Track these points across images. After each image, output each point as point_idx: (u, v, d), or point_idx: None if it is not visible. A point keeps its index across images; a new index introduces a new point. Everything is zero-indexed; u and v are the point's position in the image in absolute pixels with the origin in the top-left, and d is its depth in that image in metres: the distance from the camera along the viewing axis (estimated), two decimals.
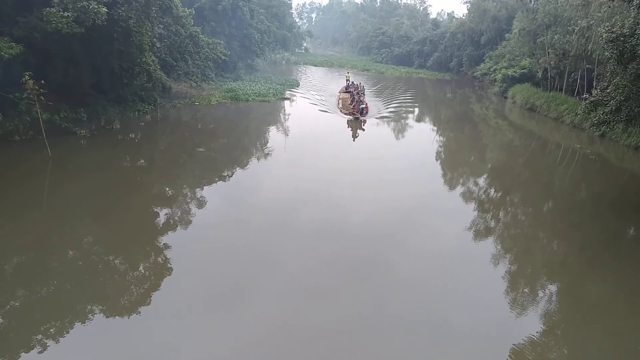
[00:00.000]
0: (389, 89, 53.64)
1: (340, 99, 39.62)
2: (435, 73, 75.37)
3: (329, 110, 36.74)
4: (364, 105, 34.89)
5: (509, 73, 50.49)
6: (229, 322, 10.41)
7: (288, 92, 44.20)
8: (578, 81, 39.55)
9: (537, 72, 44.86)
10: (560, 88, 42.02)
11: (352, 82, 44.88)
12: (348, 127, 31.71)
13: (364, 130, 31.47)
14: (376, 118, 35.03)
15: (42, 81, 18.13)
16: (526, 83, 47.06)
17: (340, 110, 36.06)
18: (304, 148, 25.65)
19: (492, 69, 58.30)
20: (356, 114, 33.50)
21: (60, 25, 19.22)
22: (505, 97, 49.47)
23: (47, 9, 19.41)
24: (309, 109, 38.15)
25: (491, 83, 57.10)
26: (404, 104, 43.38)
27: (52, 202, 16.16)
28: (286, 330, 10.31)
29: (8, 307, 10.24)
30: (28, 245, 12.95)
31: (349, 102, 36.07)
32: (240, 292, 11.54)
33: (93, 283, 11.53)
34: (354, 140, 28.40)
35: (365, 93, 41.38)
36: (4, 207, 14.99)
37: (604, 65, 29.70)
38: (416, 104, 45.50)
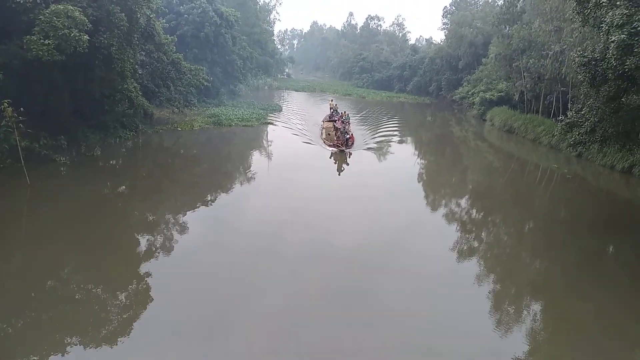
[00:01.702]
0: (374, 114, 53.05)
1: (323, 128, 36.28)
2: (415, 97, 76.77)
3: (312, 142, 34.14)
4: (349, 136, 32.50)
5: (487, 96, 51.70)
6: (211, 355, 10.17)
7: (270, 116, 44.32)
8: (554, 103, 40.62)
9: (514, 95, 45.99)
10: (537, 110, 43.10)
11: (337, 110, 42.00)
12: (332, 160, 29.35)
13: (348, 164, 28.83)
14: (363, 150, 32.57)
15: (22, 108, 17.95)
16: (504, 106, 48.21)
17: (324, 142, 33.46)
18: (284, 189, 22.60)
19: (470, 93, 59.66)
20: (341, 146, 31.00)
21: (41, 53, 19.13)
22: (484, 120, 50.52)
23: (28, 37, 19.33)
24: (291, 140, 35.37)
25: (470, 106, 58.31)
26: (390, 131, 41.70)
27: (31, 230, 15.82)
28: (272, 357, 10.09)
29: None
30: (5, 274, 12.60)
31: (333, 132, 33.07)
32: (222, 322, 11.33)
33: (72, 313, 11.23)
34: (339, 174, 26.49)
35: (351, 121, 38.91)
36: None
37: (578, 88, 30.59)
38: (402, 131, 43.61)
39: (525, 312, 12.85)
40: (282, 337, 10.97)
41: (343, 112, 39.31)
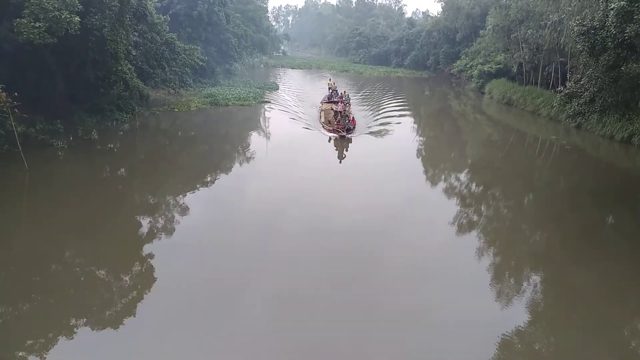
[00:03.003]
0: (375, 92, 50.96)
1: (322, 110, 33.89)
2: (413, 71, 76.14)
3: (310, 127, 31.22)
4: (349, 120, 29.77)
5: (485, 69, 51.27)
6: (215, 333, 10.29)
7: (267, 95, 43.91)
8: (552, 74, 40.31)
9: (512, 67, 45.63)
10: (536, 82, 42.80)
11: (336, 90, 39.26)
12: (333, 146, 27.20)
13: (349, 151, 26.38)
14: (365, 134, 29.88)
15: (16, 93, 17.74)
16: (502, 78, 47.86)
17: (323, 126, 30.82)
18: (282, 171, 21.89)
19: (468, 66, 59.16)
20: (342, 131, 28.40)
21: (32, 36, 18.81)
22: (483, 93, 50.22)
23: (18, 19, 18.97)
24: (288, 124, 32.76)
25: (468, 79, 57.89)
26: (391, 109, 39.13)
27: (31, 215, 15.83)
28: (272, 343, 10.15)
29: None
30: (8, 260, 12.66)
31: (332, 116, 30.92)
32: (225, 301, 11.41)
33: (76, 296, 11.33)
34: (340, 162, 24.46)
35: (351, 102, 35.95)
36: None
37: (577, 58, 30.36)
38: (402, 108, 40.88)
39: (525, 283, 12.97)
40: (284, 314, 11.05)
41: (343, 92, 36.67)
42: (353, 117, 30.84)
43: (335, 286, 12.38)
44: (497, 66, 49.87)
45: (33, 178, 18.44)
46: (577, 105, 21.33)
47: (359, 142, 27.72)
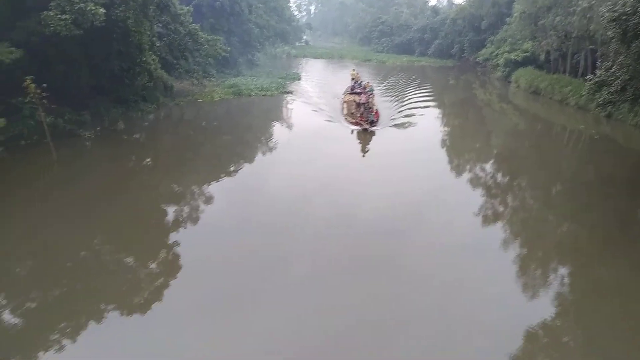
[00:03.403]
0: (398, 82, 49.76)
1: (345, 102, 32.76)
2: (437, 60, 74.88)
3: (332, 120, 30.46)
4: (373, 113, 28.89)
5: (512, 57, 50.11)
6: (239, 320, 10.40)
7: (289, 85, 43.85)
8: (581, 62, 39.13)
9: (540, 55, 44.47)
10: (564, 70, 41.64)
11: (359, 81, 37.83)
12: (356, 138, 26.52)
13: (372, 143, 25.76)
14: (389, 127, 28.89)
15: (44, 85, 18.14)
16: (529, 66, 46.70)
17: (346, 118, 30.06)
18: (306, 161, 21.76)
19: (494, 54, 57.88)
20: (364, 124, 27.80)
21: (59, 28, 19.19)
22: (509, 82, 49.14)
23: (45, 12, 19.37)
24: (311, 116, 31.84)
25: (494, 68, 56.68)
26: (415, 100, 38.20)
27: (60, 203, 16.20)
28: (297, 328, 10.24)
29: (23, 308, 10.34)
30: (39, 247, 13.04)
31: (355, 108, 30.21)
32: (250, 289, 11.55)
33: (105, 282, 11.59)
34: (363, 155, 24.07)
35: (375, 93, 34.88)
36: (12, 211, 15.09)
37: (607, 45, 29.36)
38: (426, 98, 39.97)
39: (553, 274, 12.73)
40: (311, 295, 11.17)
41: (366, 83, 35.71)
42: (377, 110, 29.97)
43: (362, 266, 12.55)
44: (524, 54, 48.65)
45: (61, 168, 18.89)
46: (607, 94, 20.63)
47: (383, 134, 27.07)
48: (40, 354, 8.93)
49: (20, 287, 11.30)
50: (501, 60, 52.41)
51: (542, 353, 9.70)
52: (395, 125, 29.34)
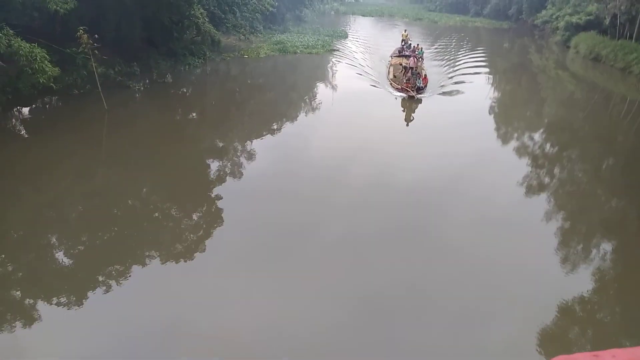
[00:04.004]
0: (452, 44, 47.53)
1: (391, 65, 30.99)
2: (493, 21, 71.24)
3: (377, 85, 28.21)
4: (421, 79, 26.74)
5: (573, 20, 46.99)
6: (278, 272, 10.67)
7: (336, 43, 43.05)
8: None
9: (605, 18, 41.42)
10: (630, 35, 38.76)
11: (408, 42, 35.67)
12: (400, 107, 24.59)
13: (417, 113, 23.92)
14: (438, 95, 26.78)
15: (96, 35, 18.60)
16: (592, 31, 43.73)
17: (391, 83, 27.80)
18: (348, 124, 21.25)
19: (554, 16, 54.38)
20: (411, 92, 25.35)
21: None
22: (568, 47, 46.36)
23: None
24: (353, 80, 29.67)
25: (553, 31, 53.44)
26: (468, 65, 35.36)
27: (109, 152, 16.96)
28: (327, 293, 10.31)
29: (71, 250, 11.07)
30: (89, 192, 13.78)
31: (402, 73, 28.15)
32: (289, 243, 11.86)
33: (150, 230, 12.20)
34: (407, 124, 22.59)
35: (424, 56, 32.69)
36: (66, 156, 15.94)
37: None
38: (479, 63, 37.46)
39: (595, 250, 12.39)
40: (345, 260, 11.29)
41: (416, 46, 33.01)
42: (425, 75, 27.91)
43: (398, 235, 12.51)
44: (587, 17, 45.46)
45: (112, 118, 19.59)
46: None
47: (430, 103, 25.39)
48: (89, 293, 9.58)
49: (69, 229, 12.06)
50: (561, 24, 49.25)
51: (576, 327, 9.59)
52: (444, 93, 27.35)
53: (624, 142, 21.84)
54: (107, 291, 9.63)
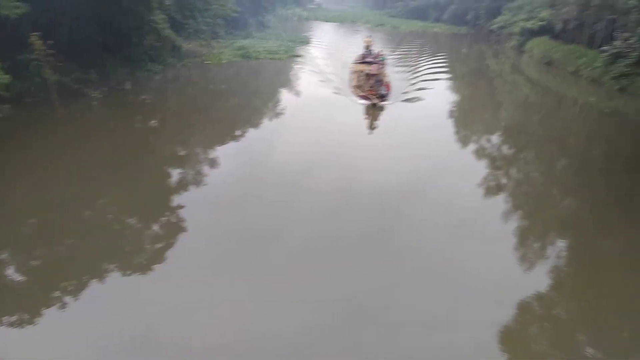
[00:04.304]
0: (414, 50, 48.06)
1: (354, 71, 30.54)
2: (452, 27, 73.16)
3: (340, 92, 28.27)
4: (384, 86, 26.70)
5: (527, 26, 48.83)
6: (236, 286, 10.54)
7: (299, 49, 43.15)
8: (599, 33, 38.08)
9: (557, 24, 43.24)
10: (580, 41, 40.55)
11: (370, 48, 35.17)
12: (363, 114, 24.37)
13: (380, 120, 23.87)
14: (401, 101, 26.91)
15: (51, 41, 18.04)
16: (545, 36, 45.56)
17: (354, 90, 27.74)
18: (311, 130, 21.44)
19: (510, 22, 56.36)
20: (374, 99, 25.45)
21: None
22: (523, 51, 48.08)
23: None
24: (316, 88, 29.72)
25: (508, 37, 55.30)
26: (429, 70, 36.38)
27: (65, 162, 16.39)
28: (295, 297, 10.33)
29: (27, 265, 10.66)
30: (43, 205, 13.28)
31: (365, 80, 27.80)
32: (253, 249, 11.76)
33: (108, 242, 11.84)
34: (370, 131, 22.41)
35: (387, 62, 32.70)
36: (17, 168, 15.34)
37: (628, 15, 28.50)
38: (440, 68, 38.26)
39: (550, 247, 12.83)
40: (309, 265, 11.31)
41: (378, 52, 33.23)
42: (388, 82, 27.82)
43: (361, 239, 12.60)
44: (541, 23, 47.33)
45: (67, 126, 19.01)
46: (622, 66, 20.27)
47: (393, 110, 25.25)
48: (43, 310, 9.24)
49: (23, 244, 11.60)
50: (516, 29, 51.09)
51: (534, 324, 9.90)
52: (407, 100, 27.43)
53: (576, 143, 22.75)
54: (63, 307, 9.33)
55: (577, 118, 27.39)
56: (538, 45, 44.51)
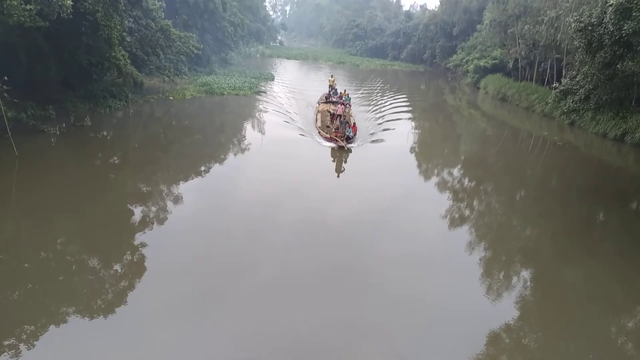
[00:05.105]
0: (377, 89, 48.42)
1: (319, 112, 30.22)
2: (409, 65, 76.05)
3: (305, 133, 27.32)
4: (350, 128, 25.68)
5: (481, 64, 51.31)
6: (204, 326, 10.23)
7: (262, 85, 43.57)
8: (548, 71, 40.37)
9: (508, 62, 45.66)
10: (531, 78, 42.84)
11: (335, 88, 35.72)
12: (330, 157, 23.54)
13: (348, 162, 23.13)
14: (369, 142, 26.45)
15: (6, 77, 17.48)
16: (498, 73, 47.95)
17: (320, 132, 26.73)
18: (276, 169, 20.89)
19: (464, 60, 59.11)
20: (340, 141, 24.35)
21: (23, 18, 18.45)
22: (478, 88, 50.26)
23: (8, 1, 18.59)
24: (281, 128, 28.54)
25: (464, 74, 57.86)
26: (397, 110, 36.35)
27: (21, 202, 15.65)
28: (263, 333, 10.11)
29: None
30: None
31: (330, 120, 27.47)
32: (219, 287, 11.45)
33: (67, 284, 11.25)
34: (338, 175, 21.53)
35: (352, 102, 32.67)
36: None
37: (573, 55, 30.34)
38: (403, 106, 38.94)
39: (515, 277, 13.05)
40: (277, 301, 11.07)
41: (342, 92, 32.88)
42: (354, 123, 27.06)
43: (328, 273, 12.48)
44: (493, 61, 49.92)
45: (23, 165, 18.24)
46: (571, 102, 21.32)
47: (360, 151, 24.61)
48: None
49: None
50: (471, 67, 53.58)
51: (504, 355, 9.92)
52: (374, 142, 26.86)
53: (532, 174, 23.64)
54: (15, 355, 8.68)
55: (532, 150, 28.55)
56: (492, 82, 46.66)
